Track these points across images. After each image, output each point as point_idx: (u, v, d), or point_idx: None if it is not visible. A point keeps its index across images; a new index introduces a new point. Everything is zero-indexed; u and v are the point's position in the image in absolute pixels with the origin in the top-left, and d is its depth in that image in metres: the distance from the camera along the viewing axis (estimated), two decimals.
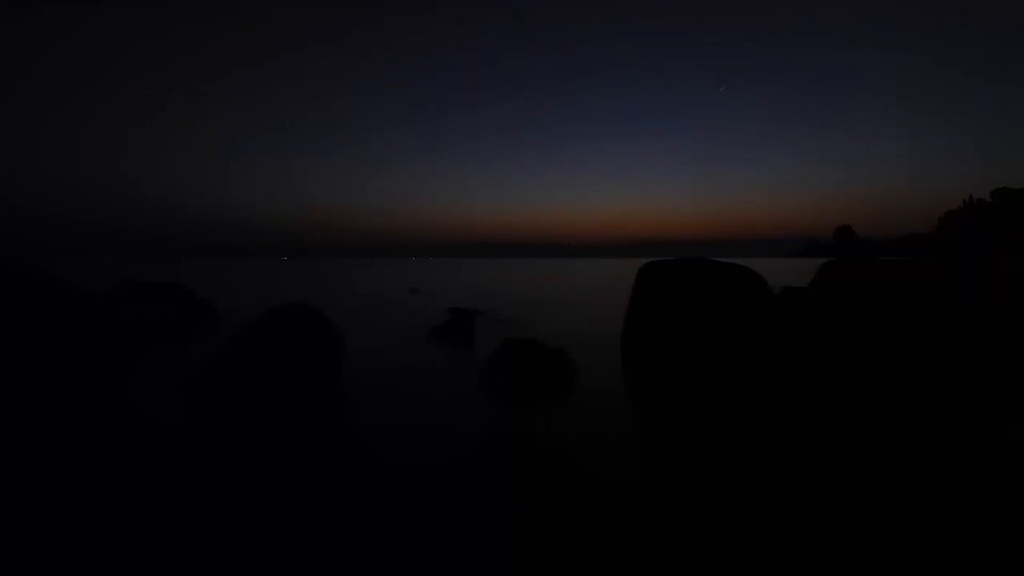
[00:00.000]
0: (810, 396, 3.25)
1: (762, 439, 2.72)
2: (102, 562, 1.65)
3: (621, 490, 2.16)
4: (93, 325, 5.51)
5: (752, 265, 5.63)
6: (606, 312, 8.40)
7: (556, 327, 7.07)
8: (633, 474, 2.32)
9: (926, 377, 3.19)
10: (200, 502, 2.02)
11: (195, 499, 2.05)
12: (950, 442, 2.31)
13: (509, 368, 3.89)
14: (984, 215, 65.47)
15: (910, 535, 1.83)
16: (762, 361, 4.04)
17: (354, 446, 2.70)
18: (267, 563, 1.65)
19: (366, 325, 7.27)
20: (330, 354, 4.60)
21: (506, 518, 1.94)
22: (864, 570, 1.64)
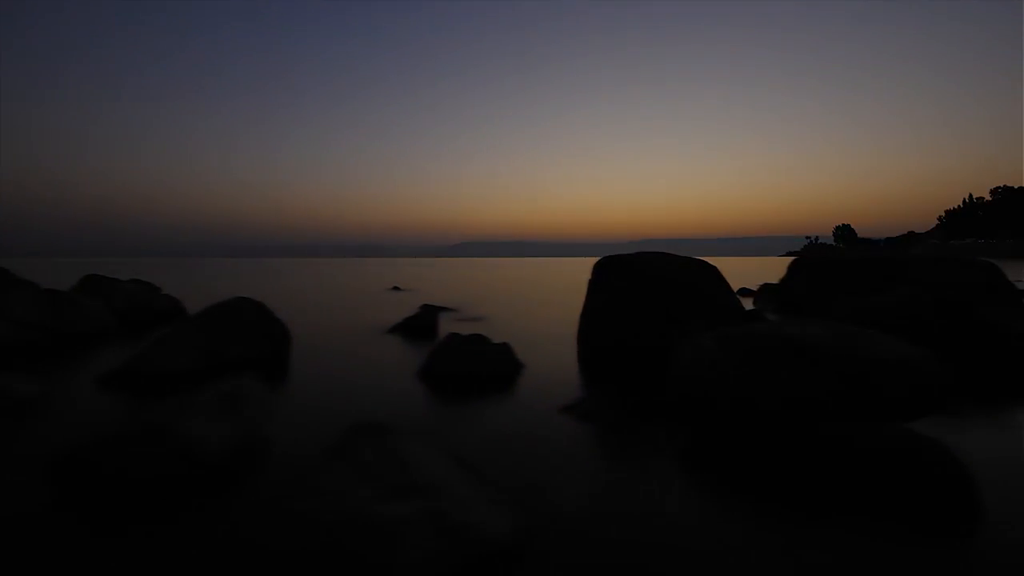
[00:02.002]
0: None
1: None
2: None
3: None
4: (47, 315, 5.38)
5: (751, 265, 5.52)
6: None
7: (525, 324, 6.95)
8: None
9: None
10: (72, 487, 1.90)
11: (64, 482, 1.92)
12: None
13: (445, 360, 3.77)
14: (984, 214, 65.20)
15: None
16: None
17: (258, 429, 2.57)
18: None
19: (332, 320, 7.18)
20: (273, 345, 4.49)
21: None
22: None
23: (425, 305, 7.43)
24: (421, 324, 6.02)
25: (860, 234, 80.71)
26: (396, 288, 13.99)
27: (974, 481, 2.07)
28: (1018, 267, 24.15)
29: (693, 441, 2.61)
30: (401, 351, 4.93)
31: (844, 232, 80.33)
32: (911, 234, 76.13)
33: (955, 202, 72.39)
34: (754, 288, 10.82)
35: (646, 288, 4.61)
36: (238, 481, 2.06)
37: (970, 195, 69.72)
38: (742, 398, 2.70)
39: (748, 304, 8.80)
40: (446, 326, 6.43)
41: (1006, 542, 1.68)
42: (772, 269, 24.82)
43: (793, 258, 6.98)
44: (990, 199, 66.56)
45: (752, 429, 2.68)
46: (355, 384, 3.66)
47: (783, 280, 6.88)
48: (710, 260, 5.50)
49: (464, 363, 3.69)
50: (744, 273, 19.11)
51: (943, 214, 73.52)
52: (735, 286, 12.09)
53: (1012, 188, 63.62)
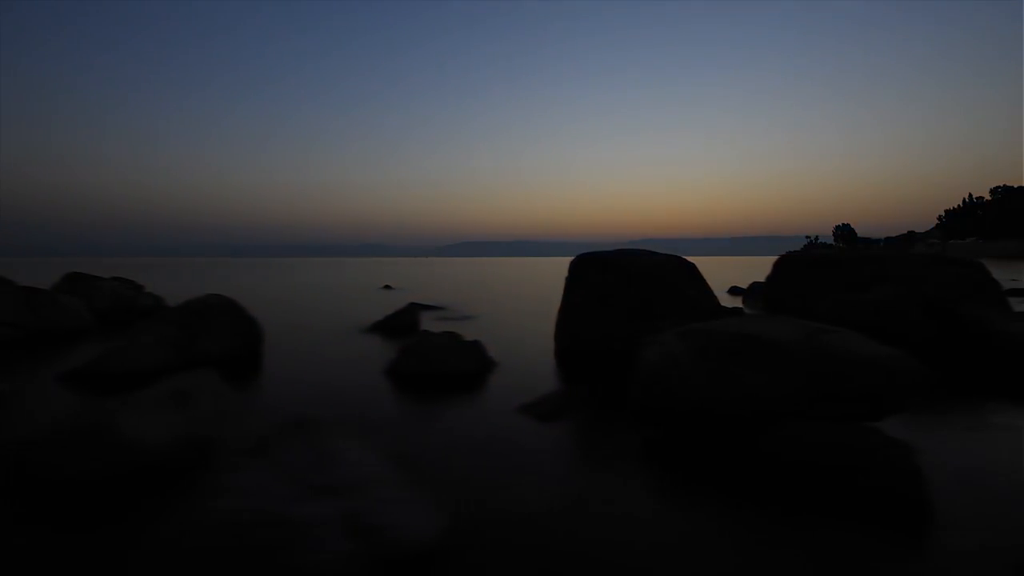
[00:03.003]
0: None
1: None
2: None
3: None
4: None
5: (750, 264, 5.48)
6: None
7: (511, 321, 6.90)
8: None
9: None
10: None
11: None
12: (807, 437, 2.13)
13: (411, 359, 3.72)
14: (983, 213, 65.03)
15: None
16: None
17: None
18: None
19: (314, 318, 7.13)
20: (245, 342, 4.45)
21: None
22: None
23: (411, 304, 7.38)
24: (401, 323, 5.98)
25: (860, 234, 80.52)
26: (388, 287, 13.95)
27: (930, 482, 2.02)
28: (1018, 267, 24.06)
29: (651, 440, 2.57)
30: (375, 350, 4.88)
31: (844, 232, 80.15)
32: (911, 234, 75.94)
33: (955, 202, 72.17)
34: (745, 287, 10.77)
35: (622, 285, 4.56)
36: (174, 480, 2.01)
37: (970, 195, 69.53)
38: (703, 396, 2.65)
39: (737, 303, 8.76)
40: (431, 325, 6.38)
41: (950, 544, 1.63)
42: (768, 269, 24.73)
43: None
44: (990, 199, 66.38)
45: (714, 428, 2.62)
46: (320, 382, 3.62)
47: (768, 278, 6.82)
48: (709, 260, 5.46)
49: (430, 362, 3.65)
50: (742, 272, 19.03)
51: (943, 214, 73.32)
52: (731, 285, 12.07)
53: (1012, 188, 63.45)
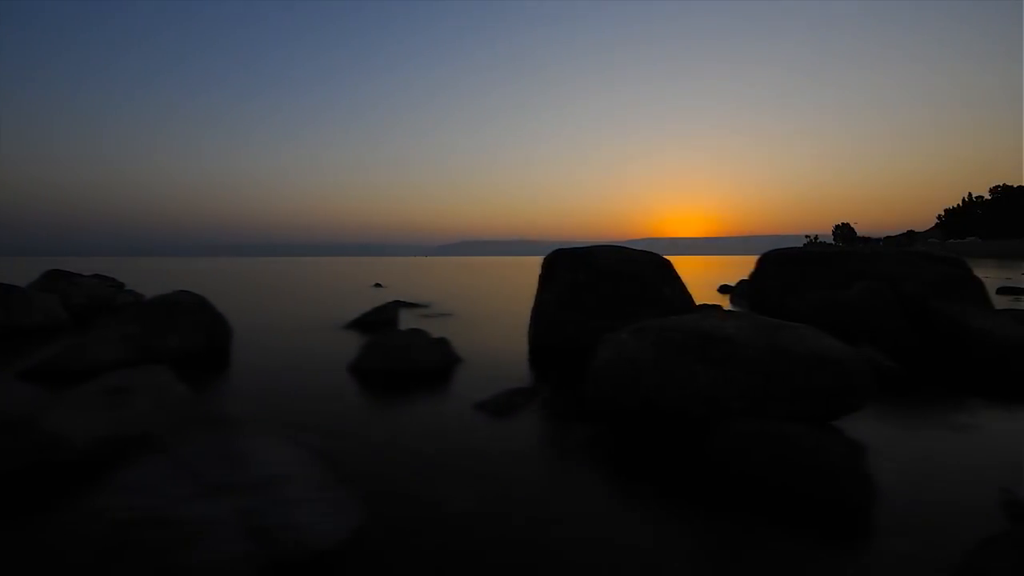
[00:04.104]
0: None
1: None
2: None
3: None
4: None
5: (748, 262, 5.41)
6: None
7: (492, 318, 6.85)
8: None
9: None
10: None
11: None
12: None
13: (372, 356, 3.67)
14: (983, 212, 64.84)
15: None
16: None
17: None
18: None
19: (293, 315, 7.07)
20: (211, 339, 4.40)
21: None
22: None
23: (394, 301, 7.33)
24: (379, 320, 5.93)
25: (860, 233, 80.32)
26: (378, 285, 13.89)
27: (875, 484, 1.96)
28: (1018, 266, 23.93)
29: (597, 438, 2.51)
30: (346, 347, 4.82)
31: (843, 231, 79.97)
32: (911, 233, 75.76)
33: (955, 201, 71.98)
34: (734, 285, 10.72)
35: (594, 282, 4.50)
36: (93, 476, 1.96)
37: (969, 194, 69.34)
38: (654, 393, 2.59)
39: (725, 301, 8.70)
40: (412, 321, 6.33)
41: (877, 551, 1.58)
42: None
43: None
44: (990, 198, 66.17)
45: (664, 425, 2.57)
46: (280, 379, 3.56)
47: (751, 276, 6.75)
48: (709, 259, 5.39)
49: (391, 359, 3.60)
50: (737, 271, 18.95)
51: (943, 213, 73.13)
52: (721, 283, 12.01)
53: (1012, 187, 63.24)
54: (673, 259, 5.35)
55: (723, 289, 11.12)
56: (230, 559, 1.32)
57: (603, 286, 4.51)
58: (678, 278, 4.82)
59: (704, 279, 15.05)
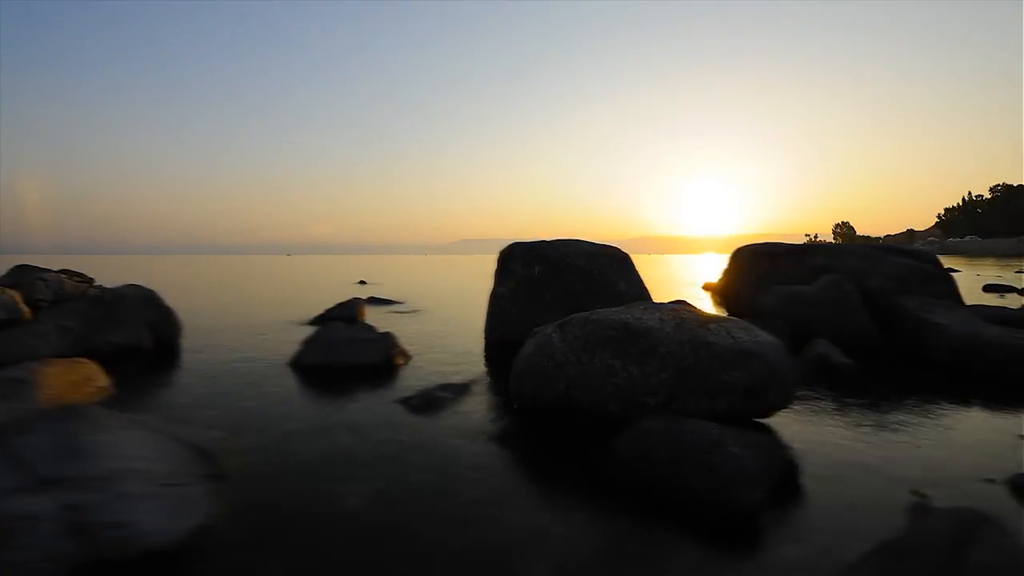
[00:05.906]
0: None
1: None
2: None
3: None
4: None
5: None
6: None
7: (460, 314, 6.78)
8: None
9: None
10: None
11: None
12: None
13: (312, 352, 3.61)
14: (983, 211, 64.60)
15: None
16: None
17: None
18: None
19: (258, 312, 7.00)
20: (156, 334, 4.34)
21: None
22: None
23: (360, 297, 7.26)
24: (340, 316, 5.85)
25: (860, 232, 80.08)
26: (362, 282, 13.82)
27: (782, 485, 1.89)
28: (1018, 264, 23.77)
29: (516, 434, 2.45)
30: (297, 343, 4.76)
31: (843, 230, 79.76)
32: (910, 232, 75.51)
33: (955, 200, 71.74)
34: (715, 281, 10.63)
35: (548, 276, 4.43)
36: None
37: (969, 193, 69.04)
38: (572, 387, 2.52)
39: (706, 297, 8.62)
40: (378, 317, 6.26)
41: (765, 555, 1.51)
42: None
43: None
44: (989, 197, 65.86)
45: (582, 420, 2.50)
46: (215, 375, 3.50)
47: (724, 271, 6.69)
48: (702, 258, 5.30)
49: (330, 354, 3.53)
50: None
51: (942, 212, 72.86)
52: (706, 280, 11.92)
53: (1011, 186, 62.92)
54: (664, 257, 5.29)
55: (707, 287, 11.02)
56: (41, 557, 1.25)
57: (557, 280, 4.44)
58: (636, 272, 4.75)
59: (690, 276, 14.95)
